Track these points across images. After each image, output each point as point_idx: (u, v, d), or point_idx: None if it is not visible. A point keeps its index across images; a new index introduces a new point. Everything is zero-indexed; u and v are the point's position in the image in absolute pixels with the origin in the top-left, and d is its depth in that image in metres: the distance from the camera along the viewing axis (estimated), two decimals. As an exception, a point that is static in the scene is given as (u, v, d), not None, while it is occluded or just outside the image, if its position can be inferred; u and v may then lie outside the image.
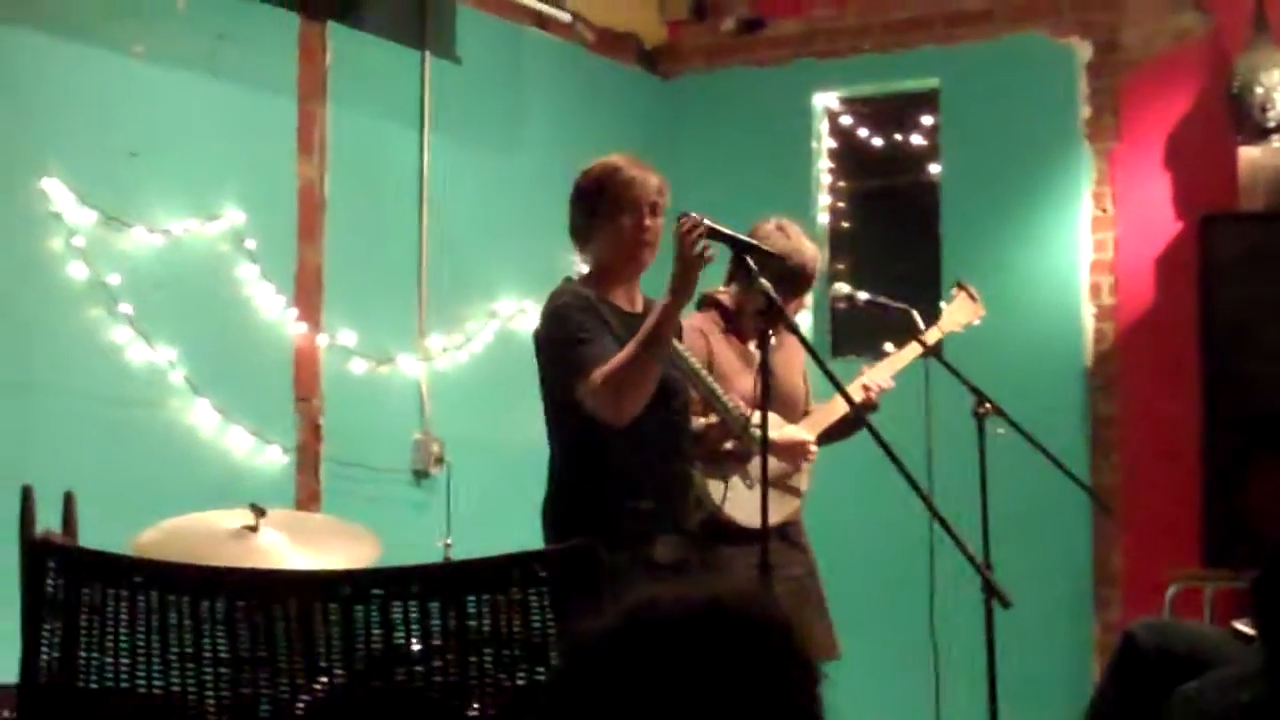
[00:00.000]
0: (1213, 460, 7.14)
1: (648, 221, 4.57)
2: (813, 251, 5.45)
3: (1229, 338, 7.18)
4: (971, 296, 5.86)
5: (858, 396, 5.37)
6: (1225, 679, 3.85)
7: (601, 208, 4.55)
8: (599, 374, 4.32)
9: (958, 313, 5.82)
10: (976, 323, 5.87)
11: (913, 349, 5.55)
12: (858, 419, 5.38)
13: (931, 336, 5.64)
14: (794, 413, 5.47)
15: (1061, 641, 7.78)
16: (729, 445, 5.21)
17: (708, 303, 5.45)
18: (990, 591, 3.91)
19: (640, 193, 4.57)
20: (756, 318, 4.90)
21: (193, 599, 3.30)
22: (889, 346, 5.58)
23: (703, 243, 4.30)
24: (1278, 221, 7.29)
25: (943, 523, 3.94)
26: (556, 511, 4.52)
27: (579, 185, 4.62)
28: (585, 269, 4.67)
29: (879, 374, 5.50)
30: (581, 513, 4.43)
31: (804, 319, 7.29)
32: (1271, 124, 7.32)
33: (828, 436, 5.39)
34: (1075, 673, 7.66)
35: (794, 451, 5.32)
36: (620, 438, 4.42)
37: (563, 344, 4.42)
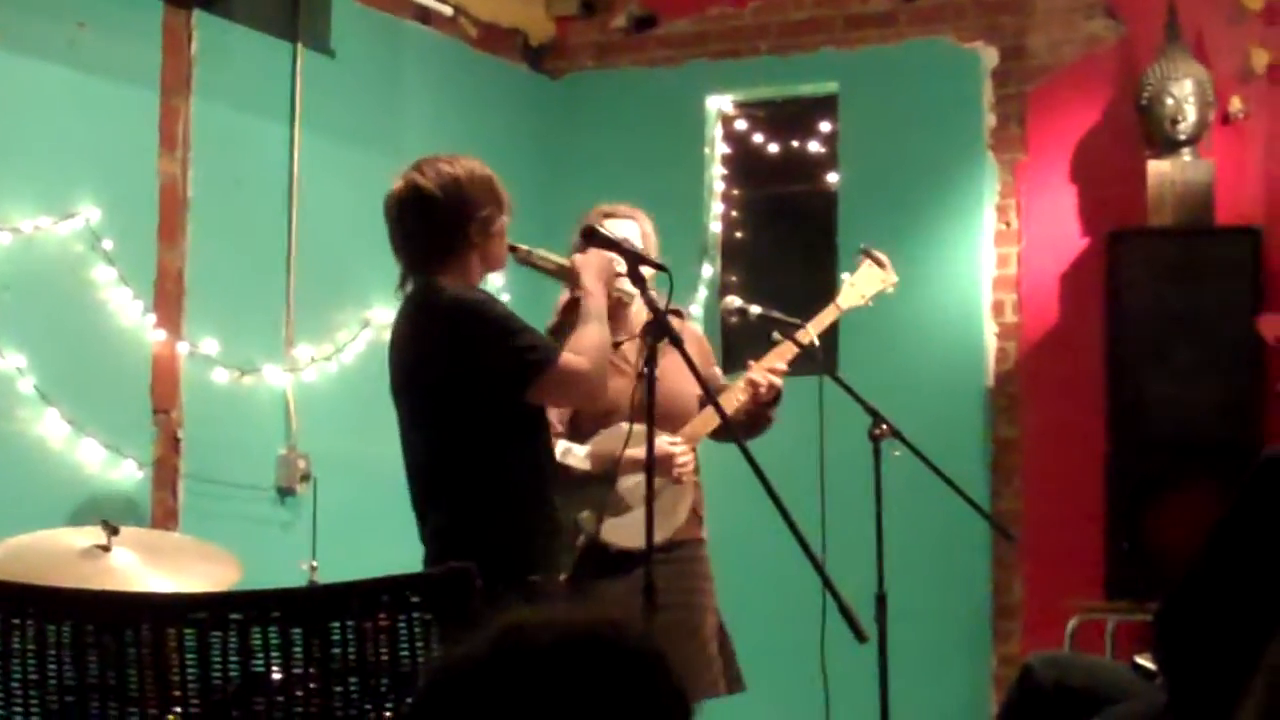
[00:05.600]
0: (1117, 486, 7.21)
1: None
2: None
3: (1136, 358, 7.26)
4: (878, 263, 5.71)
5: (743, 395, 5.37)
6: (1126, 715, 3.89)
7: (473, 210, 4.50)
8: (579, 356, 4.34)
9: (864, 282, 5.69)
10: (890, 291, 5.78)
11: (805, 333, 5.49)
12: (757, 414, 5.42)
13: (828, 316, 5.59)
14: (681, 423, 5.45)
15: (959, 674, 7.84)
16: (587, 466, 5.21)
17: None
18: (849, 623, 3.92)
19: (503, 189, 4.59)
20: (644, 335, 4.91)
21: (38, 622, 3.27)
22: (775, 335, 5.51)
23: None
24: (1187, 238, 7.38)
25: (806, 550, 3.96)
26: (468, 535, 4.42)
27: (443, 191, 4.49)
28: (443, 280, 4.50)
29: (767, 365, 5.44)
30: (512, 534, 4.39)
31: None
32: (1182, 137, 7.40)
33: (742, 428, 5.29)
34: (973, 706, 7.72)
35: (661, 465, 5.26)
36: (538, 454, 4.47)
37: (506, 337, 4.36)
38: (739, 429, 5.02)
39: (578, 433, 5.35)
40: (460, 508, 4.43)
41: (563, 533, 4.58)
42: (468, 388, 4.37)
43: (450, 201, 4.45)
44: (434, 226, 4.46)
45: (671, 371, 5.16)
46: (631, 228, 5.35)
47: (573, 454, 5.23)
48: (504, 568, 4.09)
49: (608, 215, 5.37)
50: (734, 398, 5.39)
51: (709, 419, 5.37)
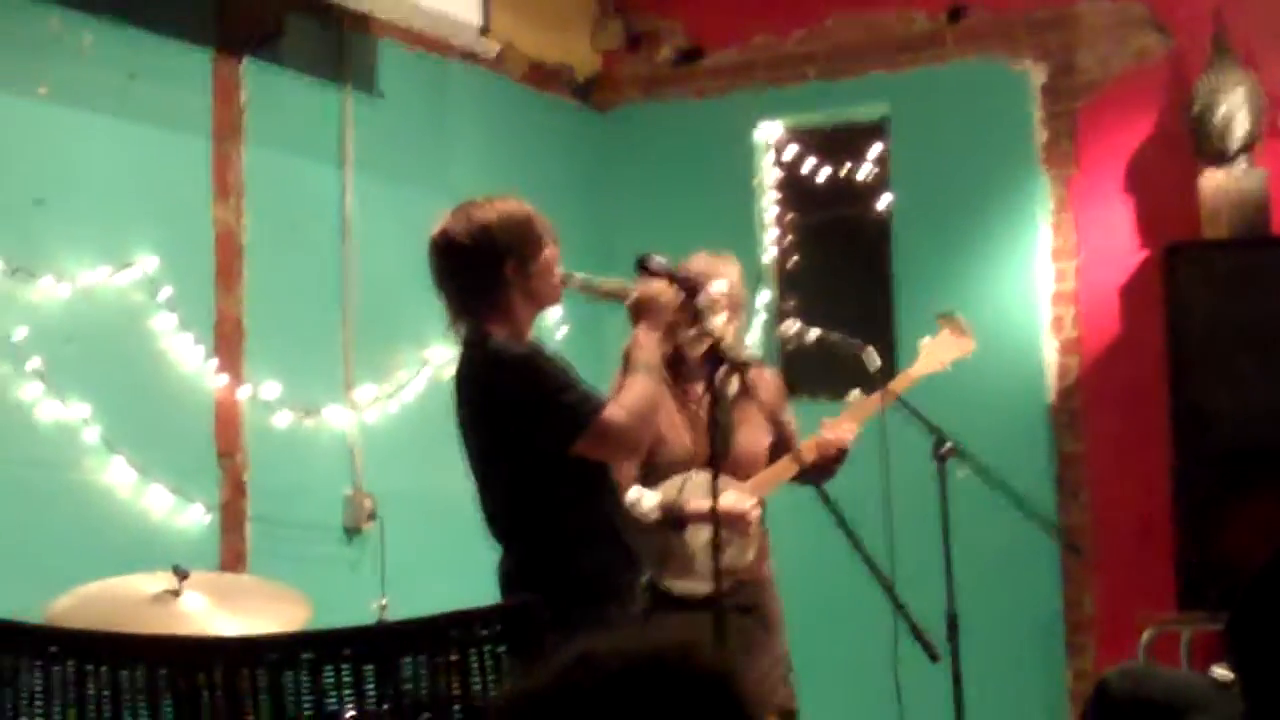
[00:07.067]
0: (1184, 497, 7.16)
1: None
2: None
3: (1197, 368, 7.21)
4: (959, 330, 5.75)
5: (810, 456, 5.38)
6: (1205, 726, 3.86)
7: (506, 253, 4.48)
8: (621, 411, 4.33)
9: (941, 349, 5.72)
10: (966, 358, 5.80)
11: (886, 393, 5.50)
12: (822, 468, 5.42)
13: (901, 383, 5.57)
14: (750, 472, 5.46)
15: (1033, 691, 7.79)
16: (656, 516, 5.22)
17: None
18: (921, 643, 3.91)
19: (545, 224, 4.57)
20: (702, 364, 4.92)
21: (111, 669, 3.28)
22: (855, 393, 5.53)
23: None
24: (1243, 248, 7.33)
25: (876, 572, 3.94)
26: (538, 573, 4.38)
27: (472, 238, 4.46)
28: (491, 325, 4.48)
29: (840, 425, 5.47)
30: (582, 570, 4.39)
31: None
32: (1234, 147, 7.36)
33: (808, 475, 5.30)
34: (1048, 724, 7.68)
35: (730, 522, 5.27)
36: (603, 498, 4.46)
37: (547, 396, 4.35)
38: (799, 480, 5.08)
39: (649, 477, 5.35)
40: (529, 549, 4.43)
41: (635, 566, 4.56)
42: (521, 441, 4.37)
43: (480, 247, 4.44)
44: (468, 273, 4.45)
45: (745, 420, 5.15)
46: (721, 284, 5.37)
47: (643, 502, 5.24)
48: (577, 602, 4.12)
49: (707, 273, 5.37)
50: (803, 456, 5.39)
51: (779, 473, 5.37)
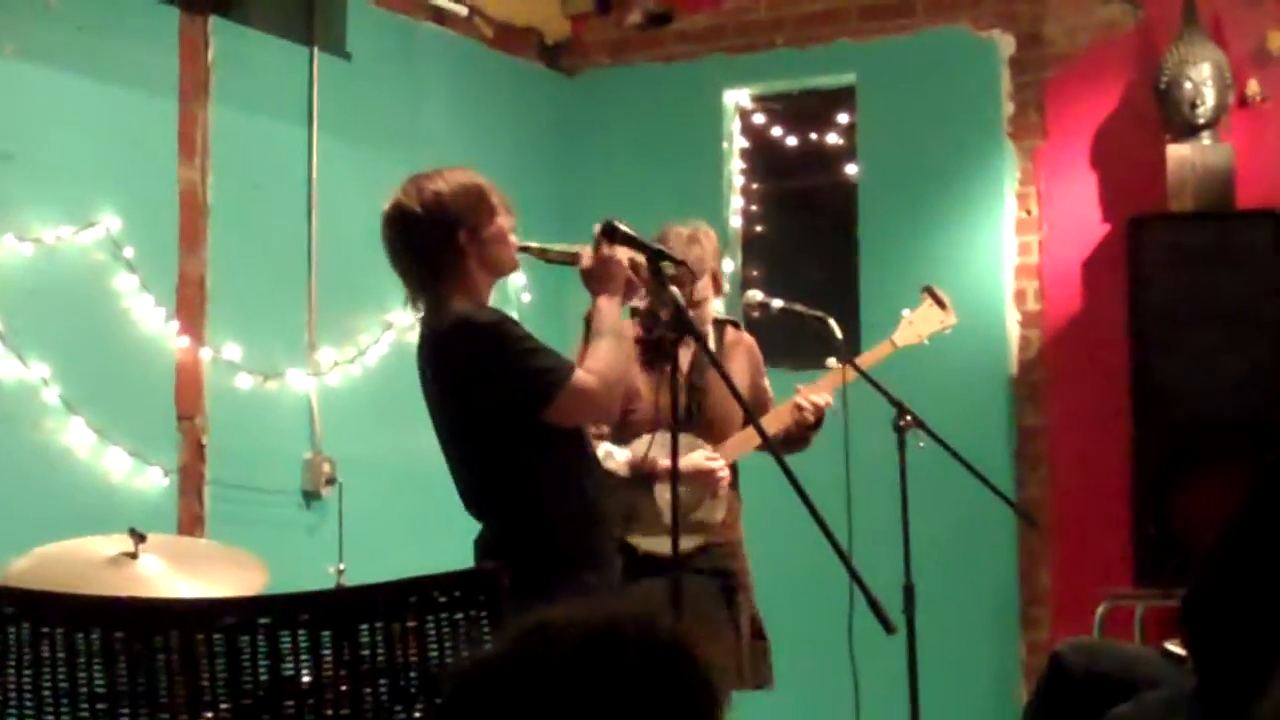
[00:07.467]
0: (1143, 471, 7.20)
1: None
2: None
3: (1159, 342, 7.24)
4: (940, 303, 5.80)
5: (790, 415, 5.42)
6: (1156, 701, 3.88)
7: (459, 222, 4.48)
8: (590, 376, 4.32)
9: (922, 321, 5.77)
10: (946, 331, 5.84)
11: (862, 361, 5.56)
12: (792, 437, 5.46)
13: (882, 351, 5.66)
14: (725, 434, 5.49)
15: (988, 663, 7.83)
16: (625, 473, 5.27)
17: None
18: (876, 614, 3.92)
19: (497, 193, 4.56)
20: (664, 329, 4.94)
21: (67, 631, 3.28)
22: (832, 361, 5.56)
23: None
24: (1208, 221, 7.35)
25: (833, 542, 3.96)
26: (515, 541, 4.37)
27: (425, 208, 4.45)
28: (450, 297, 4.45)
29: (815, 391, 5.50)
30: (557, 537, 4.40)
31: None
32: (1201, 120, 7.37)
33: (782, 445, 5.35)
34: (1002, 694, 7.71)
35: (700, 480, 5.36)
36: (584, 463, 4.47)
37: (516, 363, 4.33)
38: (775, 446, 5.07)
39: (621, 437, 5.39)
40: (505, 519, 4.42)
41: (609, 530, 4.58)
42: (490, 410, 4.36)
43: (433, 217, 4.43)
44: (423, 244, 4.44)
45: (720, 383, 5.18)
46: (696, 249, 5.40)
47: (613, 458, 5.27)
48: (555, 570, 4.17)
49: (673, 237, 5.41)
50: (777, 420, 5.43)
51: (750, 437, 5.41)
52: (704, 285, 5.50)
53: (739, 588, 5.54)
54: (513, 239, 4.53)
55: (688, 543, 5.28)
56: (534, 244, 4.61)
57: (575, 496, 4.43)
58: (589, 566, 4.40)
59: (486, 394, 4.33)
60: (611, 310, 4.47)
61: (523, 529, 4.38)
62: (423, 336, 4.50)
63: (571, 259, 4.56)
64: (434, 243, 4.43)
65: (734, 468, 5.54)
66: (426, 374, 4.48)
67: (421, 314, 4.52)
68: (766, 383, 5.76)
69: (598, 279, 4.49)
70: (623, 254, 4.47)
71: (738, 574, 5.56)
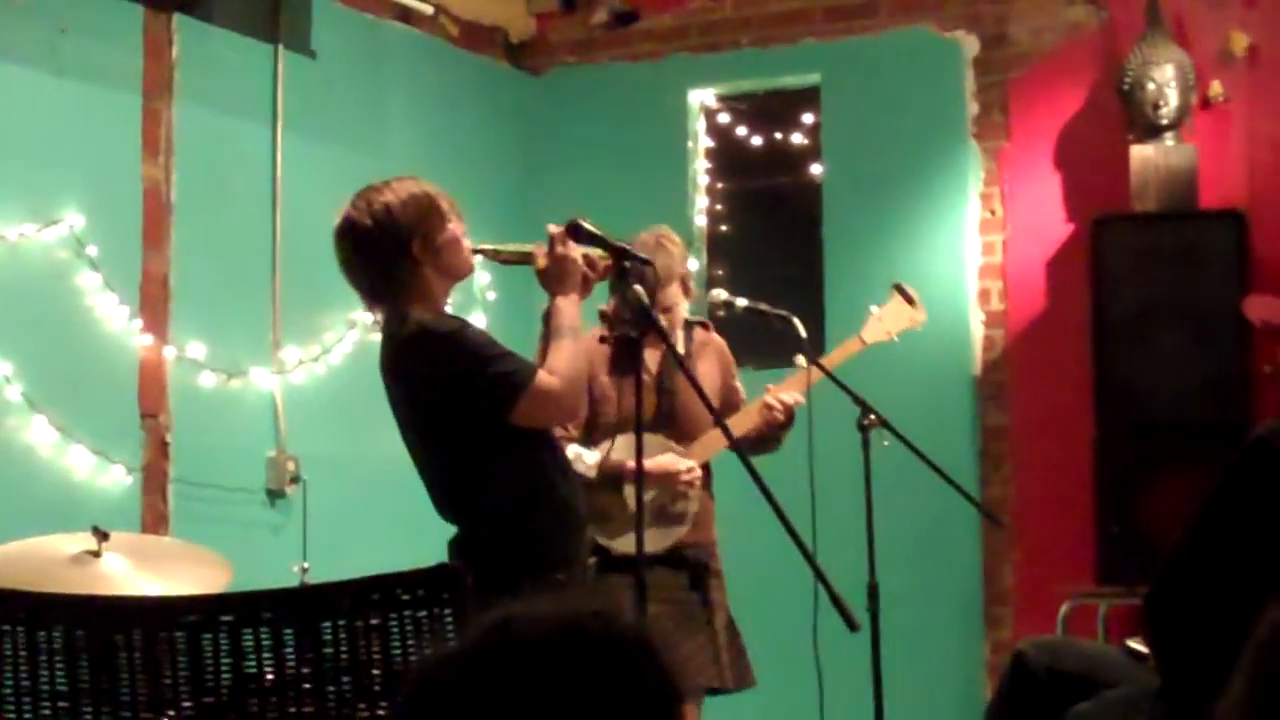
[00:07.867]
0: (1106, 471, 7.22)
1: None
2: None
3: (1122, 342, 7.27)
4: (909, 300, 5.79)
5: (759, 415, 5.43)
6: (1118, 700, 3.90)
7: (410, 232, 4.47)
8: (554, 378, 4.33)
9: (891, 318, 5.77)
10: (917, 329, 5.85)
11: (829, 359, 5.58)
12: (763, 437, 5.47)
13: (851, 348, 5.67)
14: (696, 435, 5.50)
15: (951, 661, 7.85)
16: (594, 475, 5.26)
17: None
18: (840, 612, 3.94)
19: (447, 200, 4.55)
20: (626, 326, 4.94)
21: (29, 628, 3.28)
22: (798, 361, 5.57)
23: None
24: (1171, 222, 7.39)
25: (797, 541, 3.97)
26: (485, 542, 4.37)
27: (374, 219, 4.43)
28: (408, 306, 4.44)
29: (784, 391, 5.51)
30: (528, 544, 4.39)
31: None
32: (1164, 121, 7.40)
33: (752, 445, 5.35)
34: (966, 693, 7.73)
35: (668, 481, 5.36)
36: (553, 463, 4.47)
37: (479, 367, 4.33)
38: (746, 446, 5.06)
39: (590, 438, 5.39)
40: (475, 521, 4.42)
41: (580, 528, 4.57)
42: (455, 417, 4.36)
43: (384, 228, 4.42)
44: (376, 257, 4.44)
45: (687, 386, 5.19)
46: (663, 255, 5.40)
47: (582, 461, 5.27)
48: (526, 570, 4.17)
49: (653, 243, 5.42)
50: (747, 420, 5.44)
51: (719, 438, 5.39)
52: (673, 291, 5.51)
53: (714, 587, 5.56)
54: (466, 243, 4.52)
55: (662, 542, 5.30)
56: (487, 246, 4.62)
57: (547, 497, 4.44)
58: (561, 566, 4.40)
59: (451, 401, 4.34)
60: (569, 309, 4.47)
61: (494, 531, 4.38)
62: (383, 345, 4.50)
63: (526, 258, 4.56)
64: (388, 255, 4.43)
65: (707, 468, 5.55)
66: (388, 382, 4.48)
67: (379, 321, 4.52)
68: (738, 383, 5.77)
69: (554, 278, 4.48)
70: (577, 251, 4.47)
71: (713, 573, 5.57)
